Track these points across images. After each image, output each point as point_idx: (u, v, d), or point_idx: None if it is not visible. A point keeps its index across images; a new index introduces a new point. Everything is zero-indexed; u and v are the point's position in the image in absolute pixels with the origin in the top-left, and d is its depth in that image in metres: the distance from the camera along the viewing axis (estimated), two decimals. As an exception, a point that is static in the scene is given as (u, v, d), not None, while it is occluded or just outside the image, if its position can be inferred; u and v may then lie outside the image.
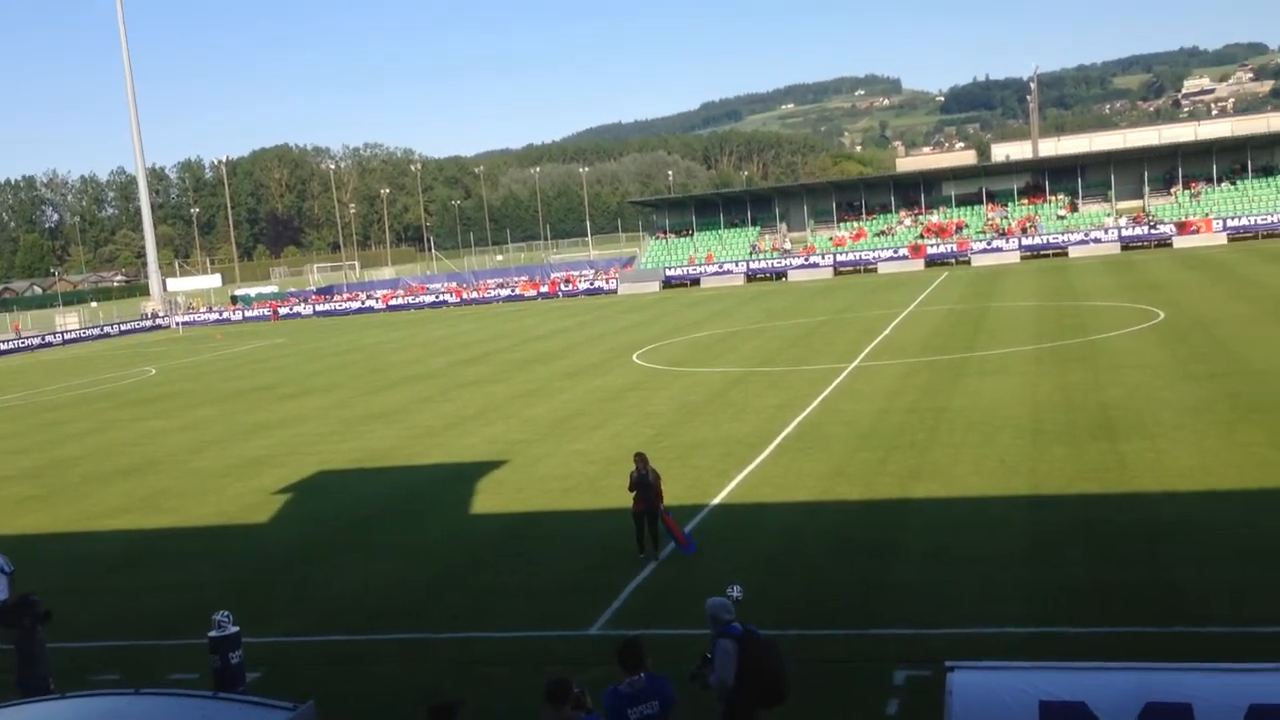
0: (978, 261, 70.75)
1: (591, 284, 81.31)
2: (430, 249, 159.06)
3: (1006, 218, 76.91)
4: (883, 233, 78.77)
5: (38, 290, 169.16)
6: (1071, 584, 13.16)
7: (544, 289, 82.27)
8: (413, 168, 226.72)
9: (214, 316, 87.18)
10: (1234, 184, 74.70)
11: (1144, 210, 74.68)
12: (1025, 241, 72.24)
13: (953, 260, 72.59)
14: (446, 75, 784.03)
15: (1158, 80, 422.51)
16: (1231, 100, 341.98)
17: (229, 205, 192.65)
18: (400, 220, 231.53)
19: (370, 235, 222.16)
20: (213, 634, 11.53)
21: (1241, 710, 7.02)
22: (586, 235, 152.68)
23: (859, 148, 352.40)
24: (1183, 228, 69.64)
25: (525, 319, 62.31)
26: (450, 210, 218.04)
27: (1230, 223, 69.46)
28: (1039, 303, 43.90)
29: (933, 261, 72.65)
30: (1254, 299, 38.01)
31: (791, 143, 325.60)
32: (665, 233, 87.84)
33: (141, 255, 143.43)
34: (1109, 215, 74.94)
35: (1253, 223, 69.24)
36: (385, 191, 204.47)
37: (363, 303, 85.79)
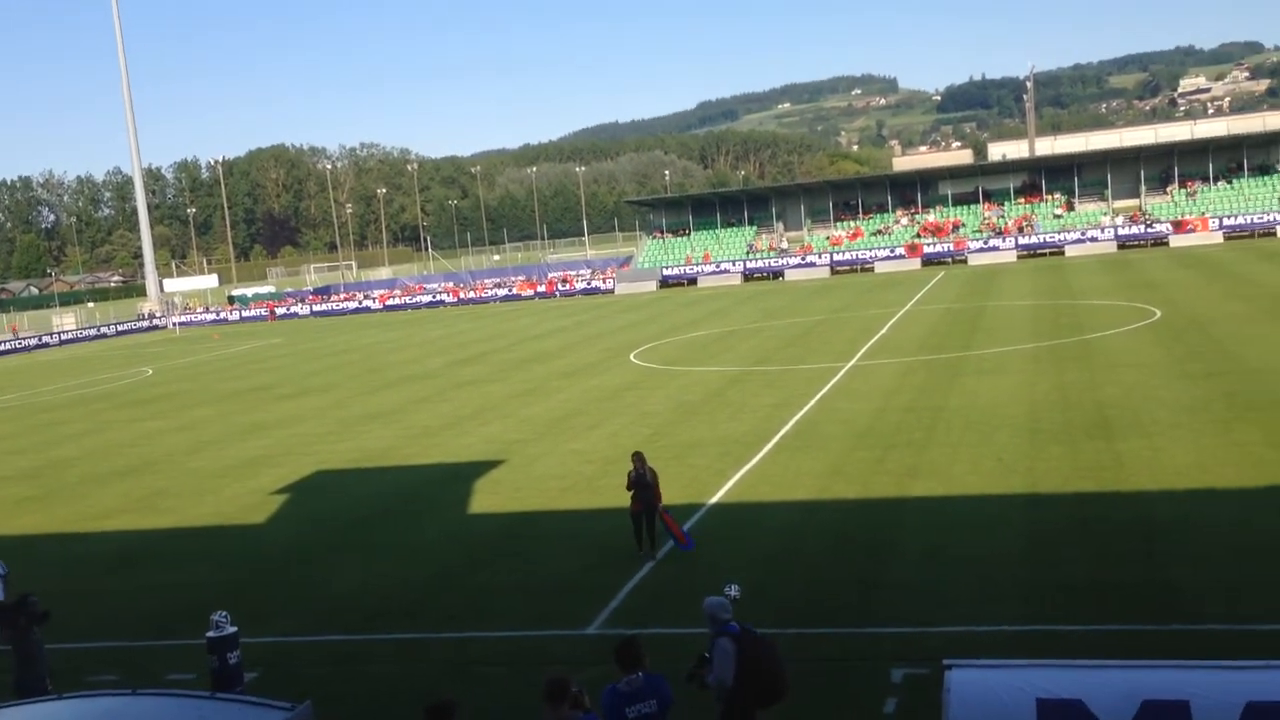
0: (974, 260, 70.81)
1: (588, 284, 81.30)
2: (427, 249, 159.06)
3: (1003, 217, 76.97)
4: (879, 232, 78.81)
5: (34, 291, 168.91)
6: (1068, 582, 13.18)
7: (541, 289, 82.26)
8: (409, 167, 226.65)
9: (211, 317, 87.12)
10: (1230, 183, 74.79)
11: (1140, 209, 74.77)
12: (1022, 240, 72.30)
13: (949, 259, 72.64)
14: (443, 75, 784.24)
15: (1154, 79, 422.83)
16: (1227, 99, 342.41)
17: (225, 205, 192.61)
18: (397, 220, 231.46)
19: (367, 235, 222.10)
20: (210, 634, 11.53)
21: (1238, 707, 7.02)
22: (583, 235, 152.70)
23: (855, 147, 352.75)
24: (1179, 226, 69.72)
25: (522, 319, 62.30)
26: (447, 210, 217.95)
27: (1226, 221, 69.54)
28: (1035, 302, 43.95)
29: (929, 261, 72.71)
30: (1250, 298, 38.06)
31: (788, 142, 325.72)
32: (662, 232, 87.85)
33: (138, 256, 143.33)
34: (1105, 214, 75.04)
35: (1249, 221, 69.33)
36: (382, 191, 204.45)
37: (360, 303, 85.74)
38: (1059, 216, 75.85)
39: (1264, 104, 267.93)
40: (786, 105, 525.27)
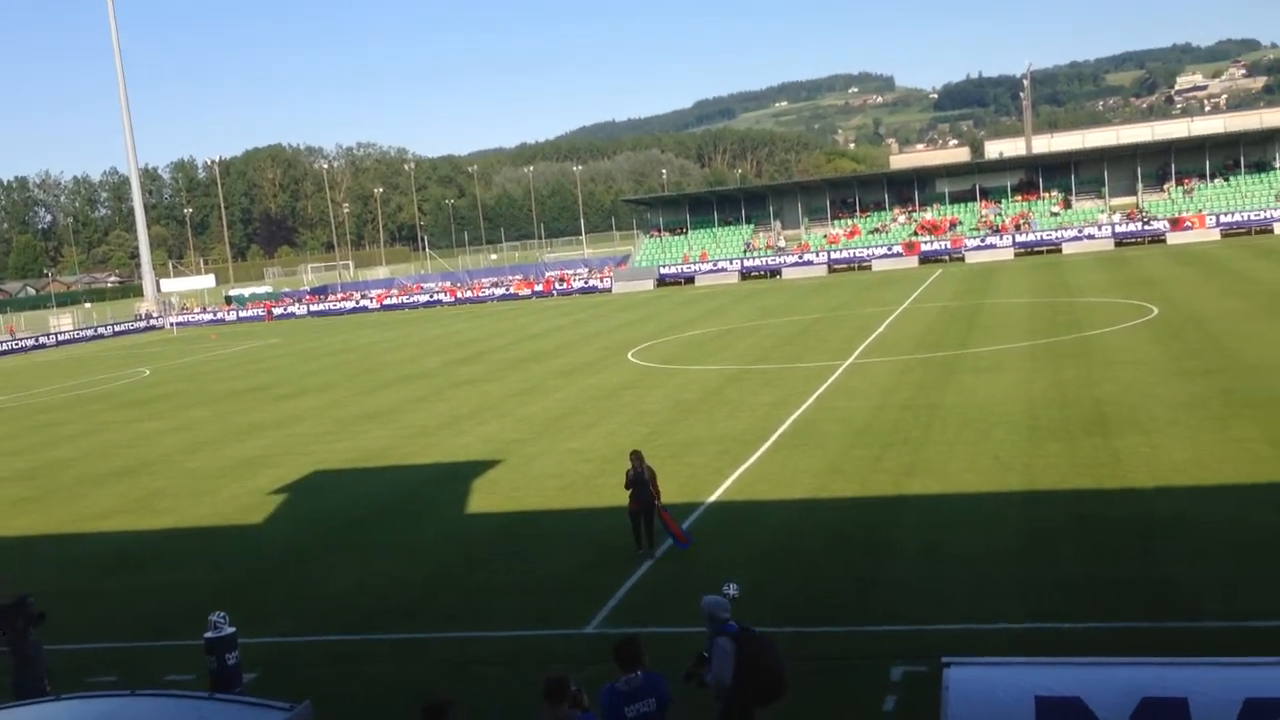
0: (971, 258, 70.85)
1: (586, 282, 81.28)
2: (424, 248, 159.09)
3: (1000, 215, 77.01)
4: (877, 230, 78.84)
5: (31, 291, 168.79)
6: (1066, 580, 13.19)
7: (538, 288, 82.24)
8: (406, 167, 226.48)
9: (208, 317, 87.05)
10: (1227, 180, 74.87)
11: (1137, 206, 74.83)
12: (1019, 238, 72.34)
13: (947, 257, 72.68)
14: (440, 74, 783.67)
15: (1151, 77, 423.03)
16: (1224, 96, 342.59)
17: (222, 205, 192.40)
18: (394, 220, 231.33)
19: (364, 235, 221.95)
20: (209, 635, 11.51)
21: (1237, 704, 7.02)
22: (581, 234, 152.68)
23: (853, 145, 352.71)
24: (1176, 224, 69.79)
25: (519, 318, 62.29)
26: (444, 209, 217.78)
27: (1223, 219, 69.61)
28: (1033, 299, 43.97)
29: (927, 259, 72.74)
30: (1247, 295, 38.10)
31: (785, 140, 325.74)
32: (659, 231, 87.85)
33: (135, 256, 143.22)
34: (1102, 212, 75.10)
35: (1246, 218, 69.41)
36: (379, 191, 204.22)
37: (357, 302, 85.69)
38: (1056, 214, 75.90)
39: (1261, 101, 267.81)
40: (783, 104, 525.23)
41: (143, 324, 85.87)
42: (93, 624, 15.06)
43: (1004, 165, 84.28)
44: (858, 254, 75.58)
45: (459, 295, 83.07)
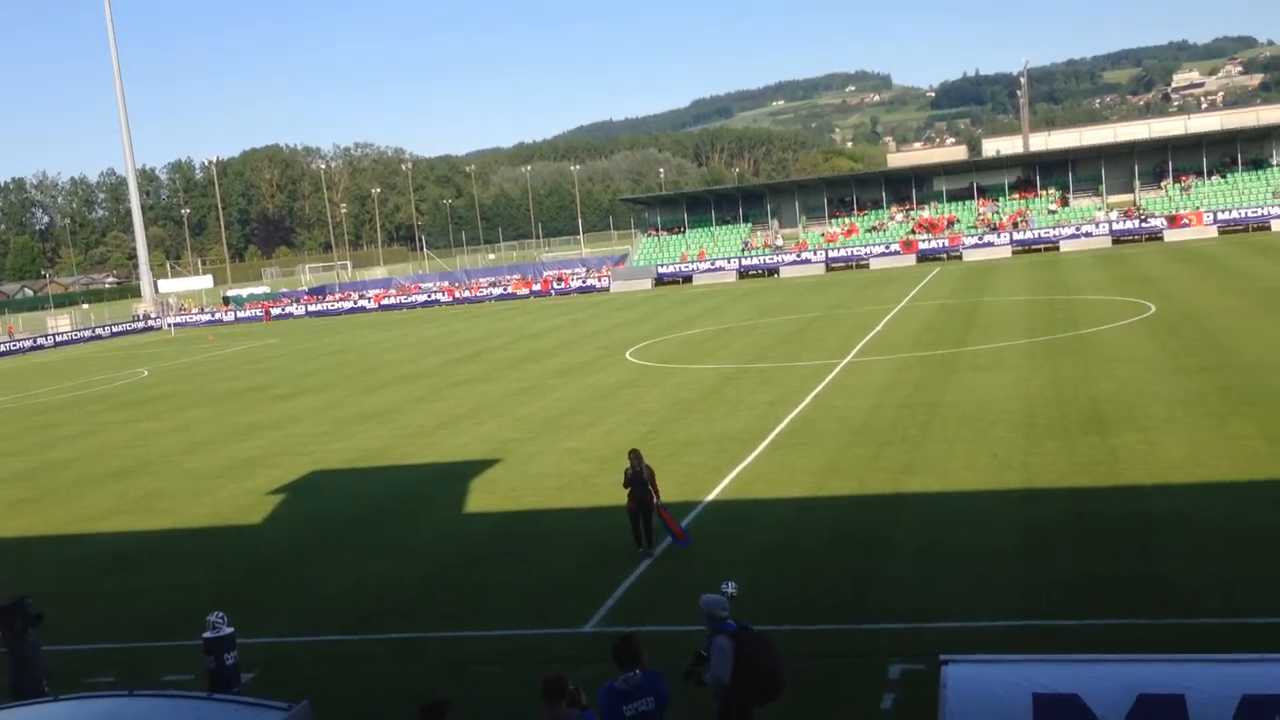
0: (969, 256, 70.88)
1: (584, 282, 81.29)
2: (422, 248, 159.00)
3: (997, 212, 77.05)
4: (874, 228, 78.85)
5: (29, 293, 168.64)
6: (1063, 577, 13.20)
7: (536, 287, 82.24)
8: (404, 167, 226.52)
9: (206, 317, 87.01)
10: (1224, 177, 74.92)
11: (1134, 204, 74.87)
12: (1016, 236, 72.37)
13: (944, 255, 72.70)
14: (437, 74, 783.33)
15: (1147, 74, 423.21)
16: (1221, 94, 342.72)
17: (220, 206, 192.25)
18: (392, 220, 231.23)
19: (362, 235, 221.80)
20: (207, 635, 11.51)
21: (1234, 700, 7.03)
22: (578, 233, 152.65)
23: (850, 144, 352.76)
24: (1173, 221, 69.82)
25: (517, 317, 62.29)
26: (442, 209, 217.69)
27: (1220, 216, 69.64)
28: (1030, 297, 44.00)
29: (924, 257, 72.76)
30: (1244, 292, 38.12)
31: (782, 139, 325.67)
32: (657, 230, 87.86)
33: (133, 257, 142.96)
34: (1100, 209, 75.14)
35: (1243, 215, 69.43)
36: (376, 191, 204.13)
37: (355, 302, 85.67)
38: (1053, 212, 75.94)
39: (1257, 98, 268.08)
40: (781, 102, 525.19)
41: (140, 325, 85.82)
42: (91, 624, 15.06)
43: (1001, 163, 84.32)
44: (855, 252, 75.59)
45: (457, 295, 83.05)
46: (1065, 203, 77.13)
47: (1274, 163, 74.92)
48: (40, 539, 20.44)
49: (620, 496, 15.93)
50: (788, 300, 55.04)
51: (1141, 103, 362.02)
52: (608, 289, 78.37)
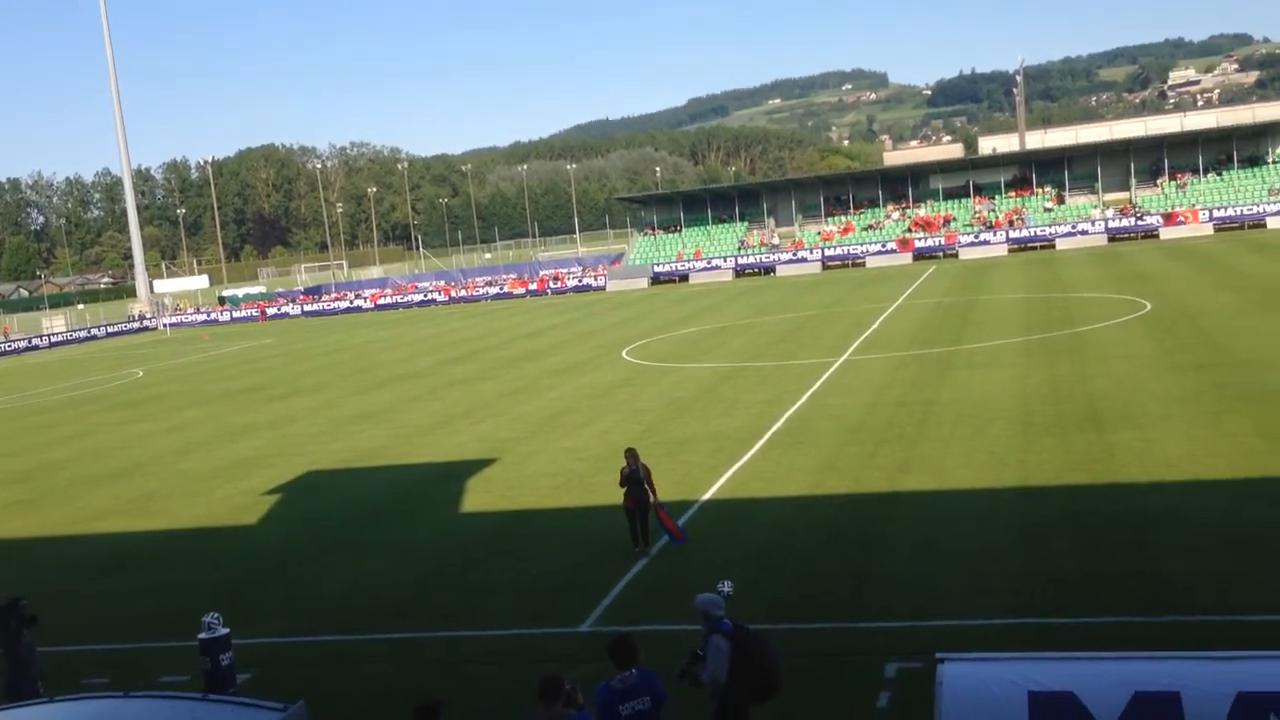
0: (965, 255, 70.91)
1: (580, 281, 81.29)
2: (418, 247, 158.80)
3: (994, 210, 77.09)
4: (870, 227, 78.87)
5: (24, 293, 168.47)
6: (1060, 575, 13.21)
7: (532, 286, 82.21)
8: (400, 166, 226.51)
9: (201, 318, 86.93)
10: (1220, 175, 74.99)
11: (1130, 202, 74.93)
12: (1012, 234, 72.38)
13: (940, 254, 72.72)
14: (433, 74, 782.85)
15: (1143, 72, 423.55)
16: (1217, 91, 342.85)
17: (215, 206, 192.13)
18: (388, 219, 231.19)
19: (358, 234, 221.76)
20: (203, 636, 11.49)
21: (1229, 698, 7.04)
22: (575, 232, 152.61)
23: (846, 142, 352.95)
24: (1169, 219, 69.88)
25: (514, 317, 62.27)
26: (438, 209, 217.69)
27: (1216, 213, 69.69)
28: (1027, 295, 44.02)
29: (920, 255, 72.79)
30: (1240, 289, 38.16)
31: (779, 138, 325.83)
32: (653, 229, 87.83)
33: (128, 257, 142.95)
34: (1096, 207, 75.18)
35: (1238, 213, 69.47)
36: (372, 190, 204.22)
37: (351, 302, 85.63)
38: (1049, 210, 75.97)
39: (1253, 96, 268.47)
40: (777, 101, 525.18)
41: (136, 325, 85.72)
42: (86, 625, 15.04)
43: (997, 161, 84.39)
44: (852, 251, 75.60)
45: (453, 294, 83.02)
46: (1061, 201, 77.17)
47: (1270, 160, 75.01)
48: (36, 540, 20.40)
49: (617, 496, 15.92)
50: (784, 299, 55.04)
51: (1138, 100, 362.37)
52: (604, 288, 78.36)
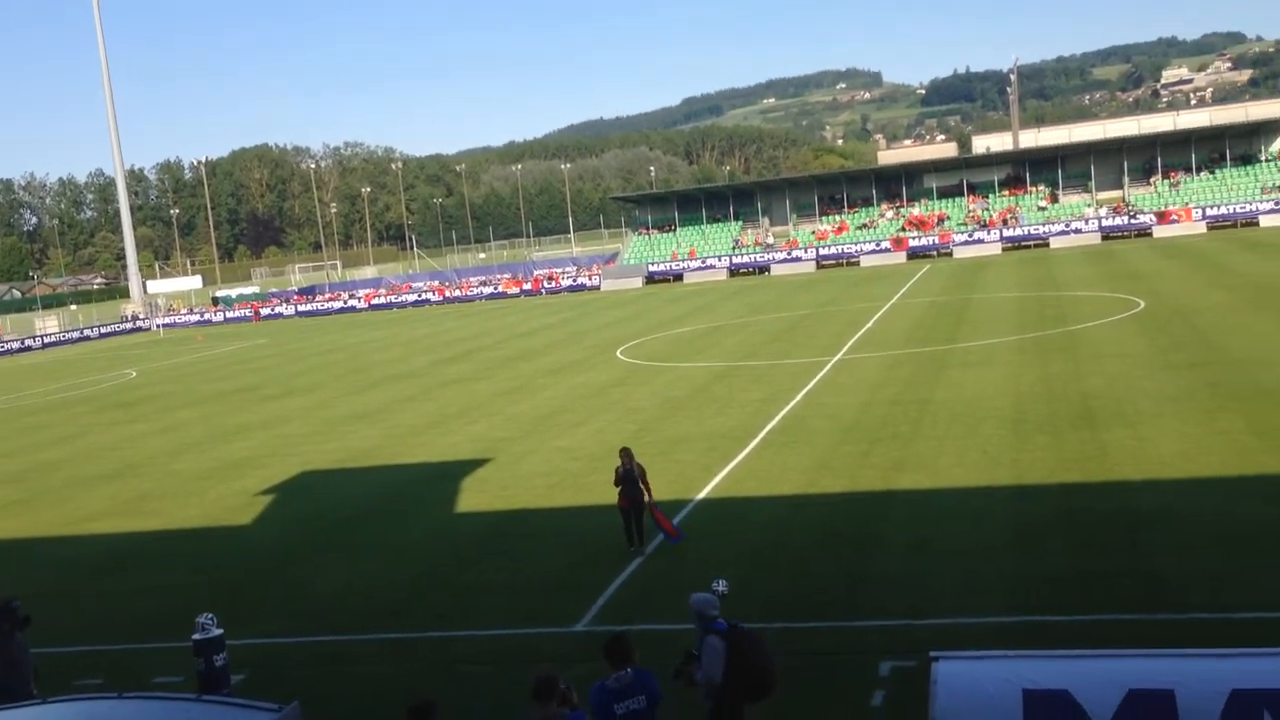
0: (959, 253, 70.95)
1: (574, 280, 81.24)
2: (412, 247, 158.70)
3: (988, 209, 77.17)
4: (865, 226, 78.93)
5: (16, 294, 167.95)
6: (1053, 573, 13.23)
7: (527, 286, 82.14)
8: (394, 166, 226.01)
9: (195, 318, 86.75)
10: (1213, 173, 75.14)
11: (1124, 200, 75.05)
12: (1006, 233, 72.46)
13: (935, 253, 72.78)
14: (427, 73, 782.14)
15: (1136, 71, 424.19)
16: (1210, 90, 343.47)
17: (209, 206, 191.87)
18: (382, 219, 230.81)
19: (352, 235, 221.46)
20: (196, 636, 11.47)
21: (1223, 695, 7.06)
22: (569, 232, 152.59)
23: (840, 141, 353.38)
24: (1162, 217, 70.00)
25: (508, 316, 62.23)
26: (432, 208, 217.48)
27: (1209, 212, 69.81)
28: (1020, 294, 44.07)
29: (915, 254, 72.83)
30: (1233, 287, 38.23)
31: (773, 137, 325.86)
32: (648, 228, 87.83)
33: (121, 257, 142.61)
34: (1089, 206, 75.30)
35: (1231, 211, 69.61)
36: (366, 190, 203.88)
37: (345, 302, 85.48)
38: (1043, 208, 76.07)
39: (1246, 94, 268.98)
40: (771, 100, 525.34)
41: (129, 326, 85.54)
42: (80, 626, 15.01)
43: (991, 160, 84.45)
44: (846, 250, 75.64)
45: (447, 294, 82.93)
46: (1055, 199, 77.28)
47: (1262, 158, 75.17)
48: (30, 541, 20.36)
49: (611, 495, 15.92)
50: (778, 298, 55.06)
51: (1131, 99, 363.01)
52: (598, 287, 78.33)
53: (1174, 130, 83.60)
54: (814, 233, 79.82)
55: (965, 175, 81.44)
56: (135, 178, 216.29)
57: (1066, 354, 27.96)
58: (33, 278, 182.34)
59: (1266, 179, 72.62)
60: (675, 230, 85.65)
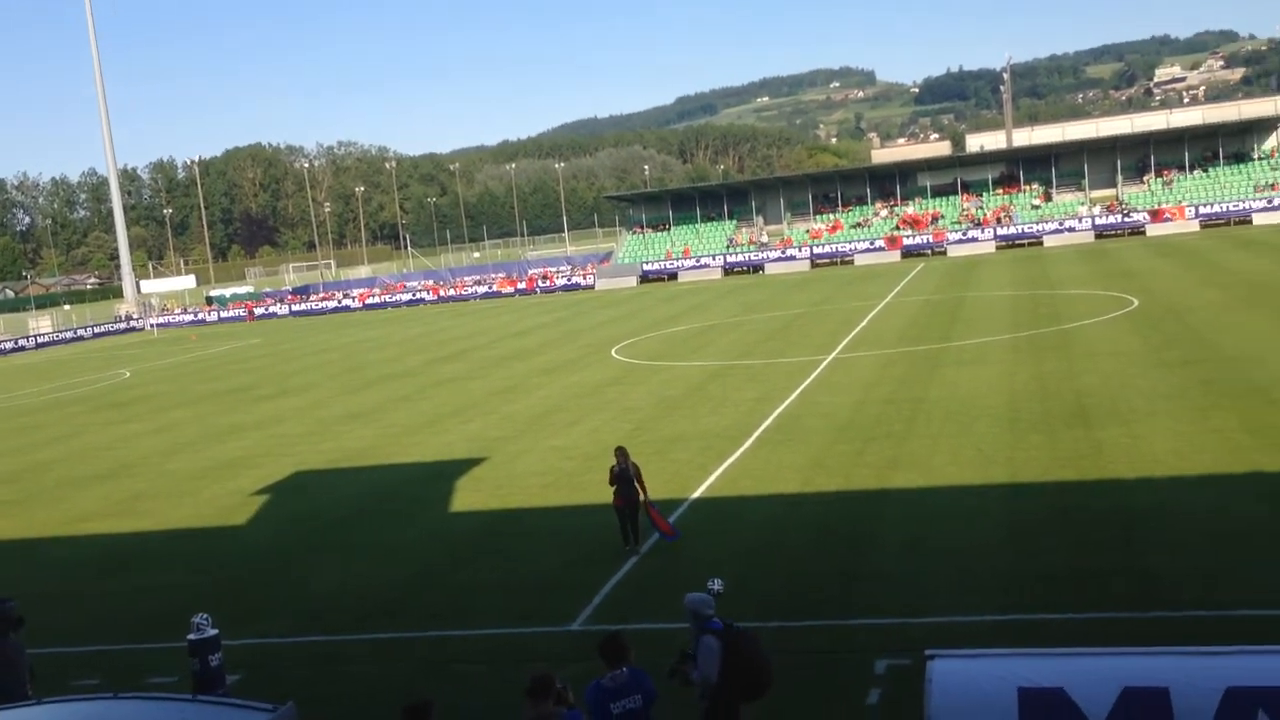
0: (953, 252, 71.08)
1: (569, 280, 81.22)
2: (406, 247, 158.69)
3: (981, 208, 77.29)
4: (859, 225, 79.00)
5: (10, 294, 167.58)
6: (1048, 571, 13.25)
7: (521, 285, 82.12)
8: (388, 165, 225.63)
9: (188, 318, 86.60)
10: (1206, 171, 75.31)
11: (1117, 199, 75.19)
12: (1000, 231, 72.61)
13: (929, 251, 72.89)
14: (421, 72, 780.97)
15: (1130, 69, 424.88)
16: (1203, 88, 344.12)
17: (202, 205, 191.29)
18: (376, 219, 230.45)
19: (346, 234, 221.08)
20: (191, 637, 11.46)
21: (1218, 693, 7.06)
22: (563, 231, 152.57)
23: (834, 140, 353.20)
24: (1155, 215, 70.16)
25: (502, 316, 62.20)
26: (426, 208, 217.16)
27: (1202, 210, 70.00)
28: (1014, 292, 44.13)
29: (909, 253, 72.93)
30: (1226, 286, 38.32)
31: (767, 136, 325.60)
32: (642, 227, 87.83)
33: (114, 257, 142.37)
34: (1083, 204, 75.44)
35: (1225, 210, 69.82)
36: (360, 190, 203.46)
37: (339, 302, 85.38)
38: (1037, 207, 76.20)
39: (1239, 93, 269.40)
40: (765, 99, 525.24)
41: (123, 325, 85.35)
42: (76, 626, 14.98)
43: (985, 159, 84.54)
44: (840, 249, 75.71)
45: (441, 294, 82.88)
46: (1048, 198, 77.42)
47: (1255, 157, 75.37)
48: (24, 541, 20.32)
49: (606, 494, 15.92)
50: (773, 297, 55.10)
51: (1124, 97, 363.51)
52: (593, 287, 78.32)
53: (1167, 129, 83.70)
54: (808, 231, 79.88)
55: (959, 174, 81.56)
56: (128, 177, 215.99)
57: (1060, 352, 28.01)
58: (26, 278, 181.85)
59: (1259, 177, 72.80)
60: (669, 229, 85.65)
